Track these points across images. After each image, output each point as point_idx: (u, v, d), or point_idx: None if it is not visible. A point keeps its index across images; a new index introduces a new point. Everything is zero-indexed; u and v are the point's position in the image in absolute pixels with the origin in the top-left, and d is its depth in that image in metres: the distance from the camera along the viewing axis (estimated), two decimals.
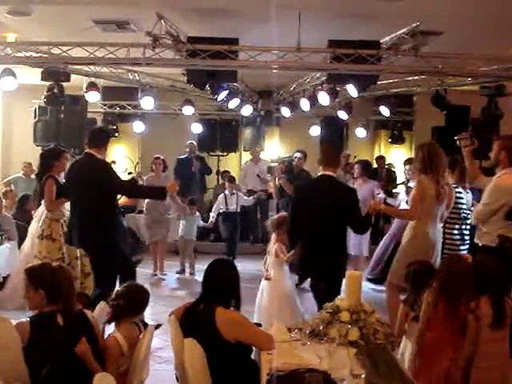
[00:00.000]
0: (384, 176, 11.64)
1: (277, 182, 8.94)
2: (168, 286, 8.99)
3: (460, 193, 6.16)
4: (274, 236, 5.95)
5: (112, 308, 3.74)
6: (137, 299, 3.84)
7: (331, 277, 5.15)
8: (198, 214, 9.71)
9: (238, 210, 10.07)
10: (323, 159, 5.38)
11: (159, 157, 9.54)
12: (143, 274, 9.37)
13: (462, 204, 6.21)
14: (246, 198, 10.36)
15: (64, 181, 6.41)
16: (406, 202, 7.05)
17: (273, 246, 5.89)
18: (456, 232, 6.19)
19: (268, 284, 5.82)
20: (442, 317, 3.87)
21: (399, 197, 8.97)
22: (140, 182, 8.62)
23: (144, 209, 9.52)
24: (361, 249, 8.44)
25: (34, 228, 7.05)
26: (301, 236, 5.38)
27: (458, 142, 5.77)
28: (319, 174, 5.42)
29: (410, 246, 5.54)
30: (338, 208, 5.17)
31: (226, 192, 10.08)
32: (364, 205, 5.68)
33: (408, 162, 9.43)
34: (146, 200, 9.30)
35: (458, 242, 6.19)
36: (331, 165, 5.35)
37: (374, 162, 12.03)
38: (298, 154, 9.40)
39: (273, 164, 10.33)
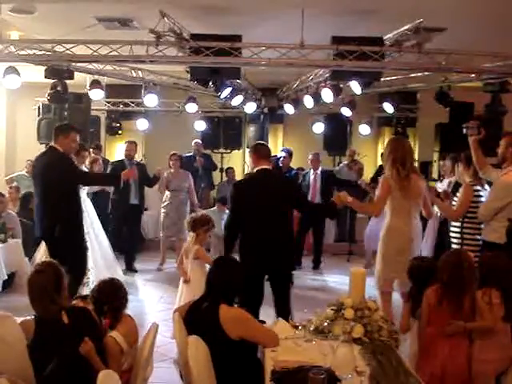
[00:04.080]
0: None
1: None
2: None
3: (478, 190, 5.91)
4: (192, 235, 5.82)
5: (94, 305, 3.77)
6: (116, 291, 3.87)
7: (289, 267, 5.35)
8: (227, 211, 9.62)
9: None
10: (258, 155, 5.42)
11: (176, 153, 9.79)
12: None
13: (481, 202, 6.07)
14: None
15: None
16: None
17: (192, 246, 5.73)
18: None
19: (187, 287, 5.67)
20: (445, 312, 3.88)
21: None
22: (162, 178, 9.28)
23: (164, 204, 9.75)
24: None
25: None
26: (245, 234, 5.25)
27: (464, 130, 5.74)
28: (256, 168, 5.41)
29: (383, 243, 5.46)
30: (280, 195, 5.20)
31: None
32: None
33: None
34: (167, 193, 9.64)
35: (479, 237, 6.09)
36: (266, 159, 5.43)
37: (380, 158, 11.99)
38: (282, 153, 9.45)
39: None
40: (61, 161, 6.19)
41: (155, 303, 7.73)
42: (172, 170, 9.70)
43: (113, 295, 3.81)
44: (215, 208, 9.71)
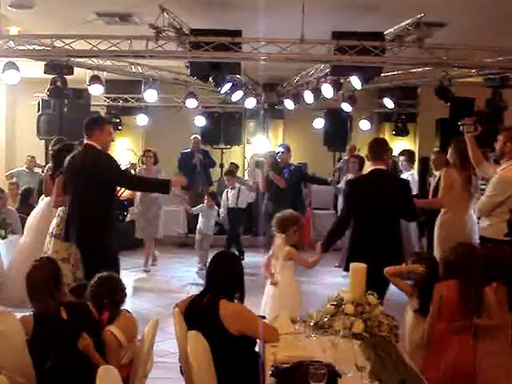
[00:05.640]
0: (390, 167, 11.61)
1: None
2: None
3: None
4: (280, 237, 5.31)
5: (93, 299, 3.77)
6: (115, 286, 3.87)
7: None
8: (216, 208, 9.56)
9: (239, 206, 9.81)
10: (371, 154, 5.41)
11: (150, 149, 9.53)
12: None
13: None
14: (248, 193, 10.11)
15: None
16: None
17: (282, 248, 5.27)
18: None
19: (275, 290, 5.27)
20: (458, 308, 3.86)
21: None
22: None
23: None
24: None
25: (36, 223, 6.99)
26: (356, 232, 5.26)
27: (461, 128, 5.76)
28: (370, 168, 5.41)
29: (440, 236, 5.86)
30: (392, 200, 5.15)
31: (229, 188, 9.90)
32: None
33: (402, 153, 9.44)
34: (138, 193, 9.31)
35: None
36: (379, 159, 5.35)
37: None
38: (280, 149, 9.47)
39: (260, 158, 10.29)
40: (108, 162, 5.57)
41: (156, 298, 7.74)
42: (144, 167, 9.34)
43: (112, 289, 3.81)
44: (204, 204, 9.41)
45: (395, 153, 12.71)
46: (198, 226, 9.40)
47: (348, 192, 5.54)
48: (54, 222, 6.36)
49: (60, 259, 5.85)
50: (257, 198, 10.47)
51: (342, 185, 9.11)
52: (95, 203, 5.42)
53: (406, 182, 5.64)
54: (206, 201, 9.41)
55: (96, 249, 5.43)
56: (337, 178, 10.53)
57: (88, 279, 5.06)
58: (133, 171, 8.69)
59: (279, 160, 9.21)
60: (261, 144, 12.00)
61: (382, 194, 5.11)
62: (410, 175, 8.72)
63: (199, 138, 11.72)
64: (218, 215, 9.71)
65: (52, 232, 6.32)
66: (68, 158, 5.74)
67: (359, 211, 5.22)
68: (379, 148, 5.41)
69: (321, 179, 10.41)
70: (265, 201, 9.38)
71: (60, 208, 6.27)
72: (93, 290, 3.84)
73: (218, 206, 9.78)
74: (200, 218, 9.41)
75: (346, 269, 4.49)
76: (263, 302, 5.33)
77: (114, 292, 3.81)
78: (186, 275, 9.11)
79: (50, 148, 7.44)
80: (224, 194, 9.97)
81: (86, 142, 5.59)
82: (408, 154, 9.22)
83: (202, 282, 8.37)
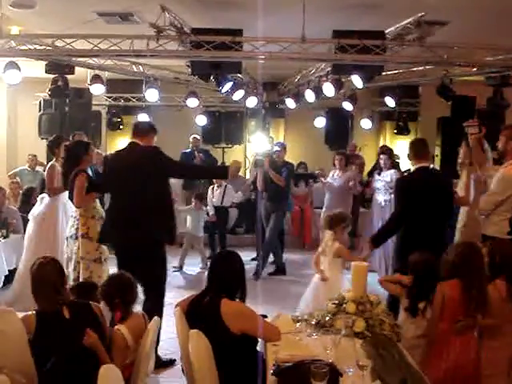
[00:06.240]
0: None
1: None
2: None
3: None
4: (329, 233, 5.55)
5: (104, 299, 3.79)
6: (126, 286, 3.89)
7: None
8: (204, 208, 9.54)
9: (224, 205, 9.73)
10: (416, 153, 5.43)
11: None
12: None
13: None
14: (234, 193, 9.98)
15: (102, 173, 5.99)
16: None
17: (331, 245, 5.49)
18: None
19: (324, 285, 5.41)
20: (461, 307, 3.86)
21: None
22: None
23: None
24: None
25: (38, 224, 6.86)
26: (409, 229, 5.25)
27: (465, 129, 5.74)
28: (415, 166, 5.44)
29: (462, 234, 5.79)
30: (440, 197, 5.22)
31: (215, 185, 9.79)
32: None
33: (383, 151, 9.15)
34: None
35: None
36: (423, 157, 5.40)
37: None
38: (276, 147, 9.45)
39: (259, 157, 10.28)
40: (161, 153, 5.27)
41: None
42: None
43: (124, 289, 3.84)
44: (192, 206, 9.41)
45: (396, 151, 12.80)
46: (186, 227, 9.41)
47: (402, 190, 5.52)
48: (72, 223, 6.10)
49: (92, 260, 5.85)
50: (256, 197, 10.39)
51: (329, 180, 9.23)
52: (158, 197, 5.18)
53: (449, 178, 5.71)
54: (193, 203, 9.40)
55: (158, 247, 5.20)
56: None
57: (147, 287, 4.95)
58: None
59: (276, 159, 9.19)
60: (259, 143, 11.96)
61: (433, 191, 5.21)
62: (392, 173, 8.64)
63: (198, 137, 11.69)
64: (208, 214, 9.67)
65: (76, 233, 6.00)
66: (112, 156, 5.66)
67: (414, 209, 5.23)
68: (423, 146, 5.47)
69: (309, 175, 10.44)
70: (263, 200, 9.28)
71: (76, 209, 6.05)
72: (104, 290, 3.86)
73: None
74: (188, 219, 9.41)
75: (401, 267, 4.64)
76: (306, 296, 5.51)
77: (126, 292, 3.83)
78: (186, 275, 9.14)
79: (48, 144, 7.29)
80: (210, 191, 9.83)
81: (131, 140, 5.42)
82: (388, 152, 9.15)
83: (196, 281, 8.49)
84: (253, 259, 9.40)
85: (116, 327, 3.63)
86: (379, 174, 8.76)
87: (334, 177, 9.20)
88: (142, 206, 5.08)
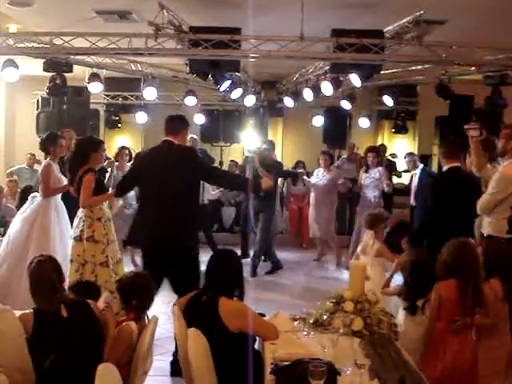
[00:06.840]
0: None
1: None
2: None
3: None
4: (369, 233, 5.60)
5: (122, 299, 3.79)
6: (147, 290, 3.89)
7: None
8: None
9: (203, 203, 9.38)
10: (448, 153, 5.44)
11: (126, 147, 9.13)
12: None
13: None
14: (212, 191, 9.86)
15: (131, 171, 5.70)
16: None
17: (372, 244, 5.52)
18: None
19: (366, 285, 5.49)
20: (458, 306, 3.86)
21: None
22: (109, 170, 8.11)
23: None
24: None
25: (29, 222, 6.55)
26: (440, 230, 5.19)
27: (466, 132, 5.72)
28: (446, 167, 5.44)
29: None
30: (470, 197, 5.24)
31: None
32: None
33: (370, 150, 9.42)
34: None
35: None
36: (455, 157, 5.42)
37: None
38: (265, 145, 9.41)
39: (249, 154, 10.22)
40: (198, 156, 5.22)
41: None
42: (117, 163, 8.57)
43: (143, 293, 3.83)
44: None
45: (394, 150, 12.83)
46: None
47: (436, 191, 5.50)
48: (77, 223, 5.82)
49: (98, 264, 5.59)
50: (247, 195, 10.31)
51: (313, 179, 9.40)
52: (191, 200, 5.10)
53: (478, 178, 5.67)
54: None
55: (193, 250, 5.09)
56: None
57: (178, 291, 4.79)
58: (110, 169, 8.16)
59: (266, 157, 9.14)
60: (251, 140, 11.91)
61: (464, 191, 5.25)
62: (379, 170, 8.99)
63: (195, 137, 11.61)
64: None
65: (81, 235, 5.71)
66: (145, 154, 5.59)
67: (447, 209, 5.25)
68: (455, 146, 5.49)
69: (293, 172, 10.52)
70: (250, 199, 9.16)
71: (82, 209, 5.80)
72: (123, 286, 3.86)
73: None
74: None
75: None
76: None
77: (144, 297, 3.84)
78: None
79: (42, 141, 7.07)
80: None
81: (165, 138, 5.18)
82: (376, 151, 9.27)
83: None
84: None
85: (129, 323, 3.62)
86: (367, 172, 9.06)
87: (319, 176, 9.39)
88: (182, 208, 4.96)
